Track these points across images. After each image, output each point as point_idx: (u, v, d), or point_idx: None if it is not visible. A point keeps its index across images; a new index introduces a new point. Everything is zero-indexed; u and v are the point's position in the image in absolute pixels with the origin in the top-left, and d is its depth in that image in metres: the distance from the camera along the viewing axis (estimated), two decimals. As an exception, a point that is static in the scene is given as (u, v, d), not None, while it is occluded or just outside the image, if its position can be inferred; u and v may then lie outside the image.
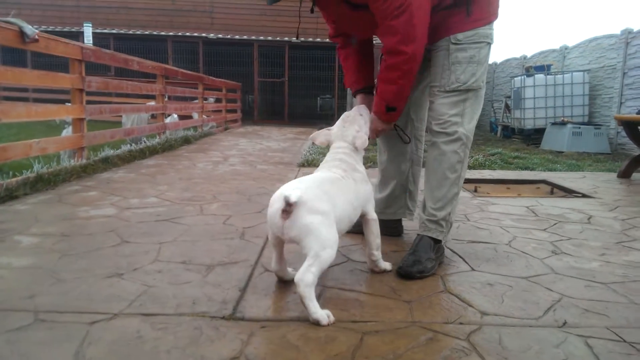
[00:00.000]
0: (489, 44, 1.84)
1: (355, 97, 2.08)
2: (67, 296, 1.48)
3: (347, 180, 1.65)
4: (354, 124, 1.82)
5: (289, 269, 1.64)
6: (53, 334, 1.24)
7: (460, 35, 1.80)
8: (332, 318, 1.34)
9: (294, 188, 1.42)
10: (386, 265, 1.77)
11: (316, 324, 1.32)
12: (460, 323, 1.37)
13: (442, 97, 1.84)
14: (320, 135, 1.86)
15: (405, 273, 1.71)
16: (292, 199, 1.34)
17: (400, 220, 2.27)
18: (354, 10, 1.82)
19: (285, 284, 1.63)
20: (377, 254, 1.74)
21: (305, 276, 1.33)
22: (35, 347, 1.17)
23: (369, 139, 1.84)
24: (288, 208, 1.37)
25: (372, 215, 1.75)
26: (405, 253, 1.85)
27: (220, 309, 1.41)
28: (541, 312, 1.45)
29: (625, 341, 1.28)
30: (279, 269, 1.61)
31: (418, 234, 1.90)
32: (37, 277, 1.62)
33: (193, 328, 1.29)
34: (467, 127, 1.84)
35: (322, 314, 1.33)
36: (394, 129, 2.02)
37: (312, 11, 1.95)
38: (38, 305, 1.40)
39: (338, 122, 1.86)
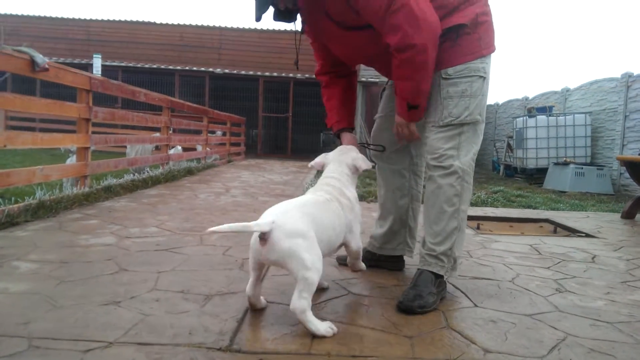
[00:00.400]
0: (482, 77, 1.82)
1: (338, 137, 2.12)
2: (62, 323, 1.45)
3: (331, 203, 1.68)
4: (351, 151, 1.94)
5: (262, 300, 1.65)
6: (45, 361, 1.21)
7: (450, 70, 1.80)
8: (334, 328, 1.45)
9: (269, 214, 1.48)
10: (362, 265, 1.92)
11: (322, 337, 1.41)
12: (463, 360, 1.33)
13: (437, 132, 1.84)
14: (317, 158, 1.93)
15: (405, 308, 1.68)
16: (265, 228, 1.40)
17: (401, 256, 2.24)
18: (347, 31, 1.83)
19: (282, 316, 1.60)
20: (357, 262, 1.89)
21: (300, 303, 1.40)
22: (26, 375, 1.14)
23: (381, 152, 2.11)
24: (263, 235, 1.42)
25: (354, 247, 1.79)
26: (406, 287, 1.82)
27: (217, 340, 1.38)
28: (545, 351, 1.41)
29: (633, 383, 1.24)
30: (252, 295, 1.59)
31: (418, 269, 1.86)
32: (33, 303, 1.60)
33: (189, 359, 1.26)
34: (463, 160, 1.81)
35: (325, 329, 1.43)
36: (365, 146, 2.13)
37: (302, 32, 2.00)
38: (33, 332, 1.38)
39: (335, 150, 1.95)
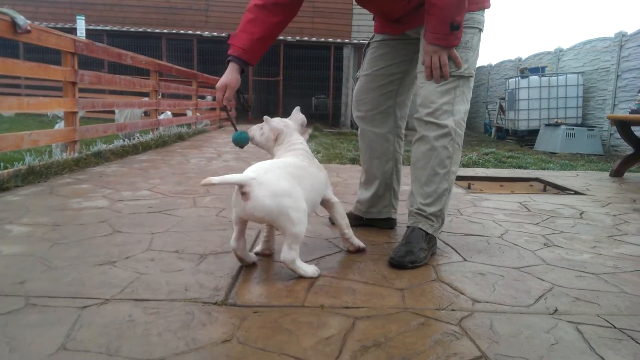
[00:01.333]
0: (481, 30, 1.80)
1: (228, 63, 1.88)
2: (58, 282, 1.46)
3: (311, 168, 1.70)
4: (298, 112, 1.90)
5: (251, 254, 1.70)
6: (44, 317, 1.23)
7: None
8: (319, 271, 1.60)
9: (252, 170, 1.50)
10: (360, 243, 1.87)
11: (310, 277, 1.56)
12: (452, 310, 1.37)
13: (433, 83, 1.76)
14: (276, 122, 1.81)
15: (397, 263, 1.70)
16: (245, 183, 1.45)
17: (389, 218, 2.24)
18: None
19: (276, 273, 1.63)
20: (349, 232, 1.84)
21: (290, 254, 1.52)
22: (26, 330, 1.16)
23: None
24: (244, 190, 1.45)
25: (334, 199, 1.82)
26: (397, 244, 1.85)
27: (212, 295, 1.41)
28: (532, 300, 1.46)
29: (615, 327, 1.29)
30: (237, 247, 1.60)
31: (409, 226, 1.87)
32: (28, 264, 1.61)
33: (185, 313, 1.28)
34: (457, 118, 1.77)
35: (313, 271, 1.58)
36: (237, 96, 1.97)
37: None
38: (29, 291, 1.39)
39: (292, 116, 1.90)
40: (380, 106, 2.07)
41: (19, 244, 1.82)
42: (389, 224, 2.24)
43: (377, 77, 2.01)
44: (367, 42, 2.12)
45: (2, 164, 3.18)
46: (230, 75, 1.86)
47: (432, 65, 1.73)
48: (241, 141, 1.81)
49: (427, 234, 1.82)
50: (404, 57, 2.01)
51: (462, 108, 1.80)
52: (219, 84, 1.85)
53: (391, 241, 2.04)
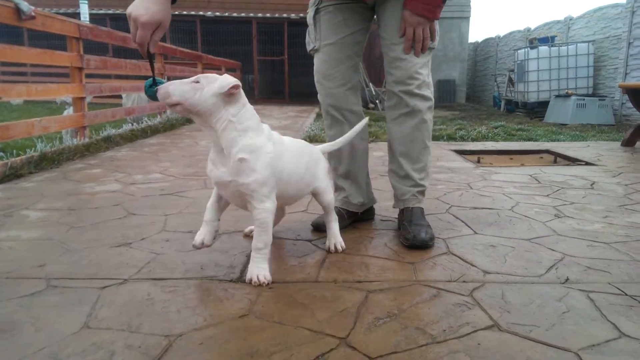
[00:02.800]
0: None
1: None
2: (77, 264, 1.50)
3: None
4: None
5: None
6: (65, 298, 1.27)
7: None
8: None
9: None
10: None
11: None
12: (464, 281, 1.39)
13: (413, 56, 1.68)
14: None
15: (420, 243, 1.63)
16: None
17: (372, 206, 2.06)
18: None
19: (290, 250, 1.65)
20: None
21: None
22: (49, 310, 1.20)
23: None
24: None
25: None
26: (402, 227, 1.78)
27: (227, 273, 1.44)
28: (543, 270, 1.47)
29: (626, 294, 1.30)
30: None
31: (407, 207, 1.80)
32: (46, 248, 1.65)
33: (202, 290, 1.32)
34: (432, 89, 1.78)
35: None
36: (149, 56, 1.40)
37: None
38: (49, 273, 1.43)
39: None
40: (351, 80, 1.82)
41: (37, 229, 1.86)
42: (372, 213, 2.06)
43: (345, 46, 1.77)
44: (314, 7, 1.80)
45: (14, 151, 3.23)
46: (162, 7, 1.32)
47: (415, 38, 1.64)
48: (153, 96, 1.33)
49: (422, 210, 1.82)
50: (364, 24, 1.80)
51: (432, 80, 1.79)
52: (147, 17, 1.30)
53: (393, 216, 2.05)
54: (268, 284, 1.35)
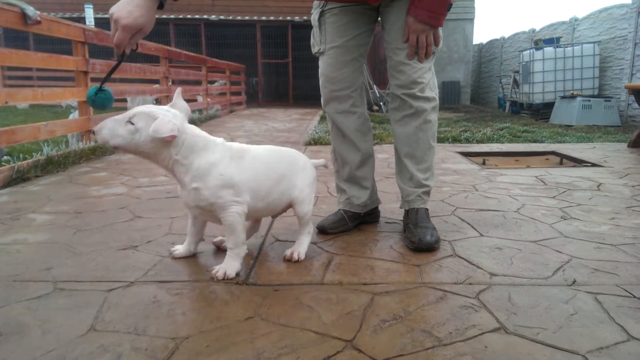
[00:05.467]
0: None
1: None
2: (83, 267, 1.51)
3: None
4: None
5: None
6: (73, 300, 1.27)
7: None
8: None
9: None
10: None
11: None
12: (470, 283, 1.38)
13: (417, 62, 1.68)
14: (163, 113, 1.32)
15: (427, 246, 1.63)
16: None
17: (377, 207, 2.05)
18: None
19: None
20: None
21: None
22: (56, 313, 1.20)
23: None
24: None
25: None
26: (408, 230, 1.77)
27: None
28: (550, 272, 1.46)
29: (634, 297, 1.29)
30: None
31: (413, 208, 1.80)
32: (53, 251, 1.66)
33: (208, 292, 1.32)
34: (437, 91, 1.78)
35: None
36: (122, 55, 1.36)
37: None
38: (56, 276, 1.44)
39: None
40: (355, 83, 1.83)
41: (44, 232, 1.87)
42: (377, 215, 2.05)
43: (350, 49, 1.77)
44: (318, 10, 1.80)
45: (21, 155, 3.25)
46: (144, 12, 1.31)
47: (419, 44, 1.64)
48: (95, 104, 1.35)
49: (426, 212, 1.81)
50: (369, 25, 1.79)
51: (436, 81, 1.80)
52: (128, 21, 1.29)
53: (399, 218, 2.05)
54: (227, 278, 1.39)
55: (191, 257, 1.60)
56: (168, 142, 1.31)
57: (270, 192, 1.49)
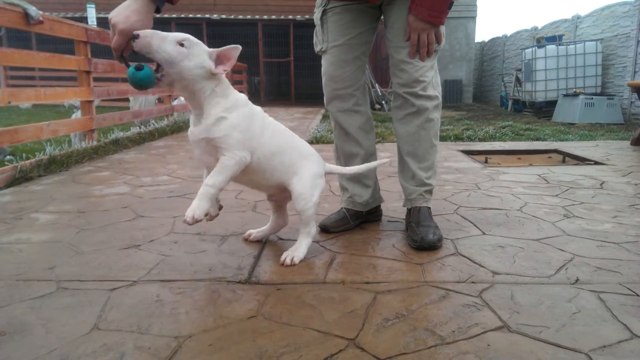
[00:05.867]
0: None
1: None
2: (86, 266, 1.51)
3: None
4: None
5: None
6: (76, 299, 1.28)
7: None
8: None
9: None
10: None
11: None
12: (472, 282, 1.38)
13: (418, 60, 1.68)
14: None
15: (429, 245, 1.63)
16: None
17: (379, 205, 2.04)
18: None
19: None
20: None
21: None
22: (59, 312, 1.21)
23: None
24: None
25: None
26: (410, 228, 1.77)
27: (236, 274, 1.44)
28: (553, 271, 1.46)
29: (637, 295, 1.28)
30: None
31: (415, 207, 1.80)
32: (56, 250, 1.66)
33: (211, 291, 1.32)
34: (440, 89, 1.78)
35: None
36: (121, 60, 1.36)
37: None
38: (59, 275, 1.44)
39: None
40: (359, 81, 1.82)
41: (47, 232, 1.87)
42: (379, 214, 2.05)
43: (352, 47, 1.76)
44: (321, 8, 1.80)
45: (24, 155, 3.26)
46: (141, 17, 1.33)
47: (420, 43, 1.64)
48: (143, 81, 1.25)
49: (429, 210, 1.81)
50: (371, 24, 1.79)
51: (439, 79, 1.79)
52: (125, 26, 1.29)
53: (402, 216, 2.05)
54: (195, 221, 1.32)
55: (194, 255, 1.60)
56: (214, 75, 1.37)
57: (268, 158, 1.48)
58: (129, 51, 1.35)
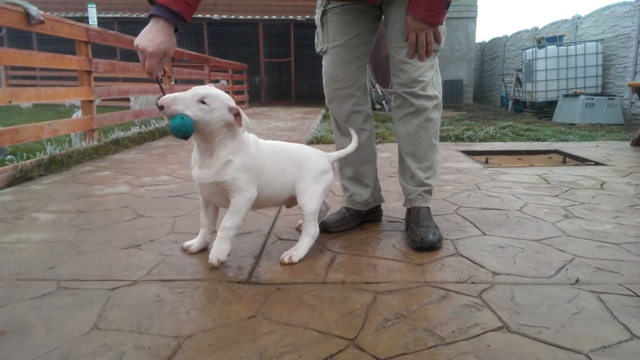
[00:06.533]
0: None
1: (151, 18, 1.44)
2: (87, 266, 1.51)
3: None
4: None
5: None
6: (76, 299, 1.28)
7: None
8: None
9: None
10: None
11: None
12: (472, 282, 1.38)
13: (417, 60, 1.68)
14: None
15: (429, 245, 1.63)
16: None
17: (379, 205, 2.04)
18: None
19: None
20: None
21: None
22: (59, 312, 1.21)
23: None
24: None
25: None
26: (410, 229, 1.77)
27: (236, 274, 1.44)
28: (553, 271, 1.46)
29: (638, 295, 1.28)
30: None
31: (414, 207, 1.80)
32: (56, 250, 1.66)
33: (211, 291, 1.32)
34: (440, 89, 1.77)
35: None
36: (158, 81, 1.50)
37: None
38: (59, 275, 1.44)
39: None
40: (359, 81, 1.82)
41: (47, 231, 1.88)
42: (379, 214, 2.05)
43: (352, 47, 1.76)
44: (321, 9, 1.80)
45: (24, 154, 3.26)
46: (165, 38, 1.41)
47: (418, 43, 1.64)
48: (183, 130, 1.32)
49: (428, 210, 1.81)
50: (372, 24, 1.79)
51: (440, 79, 1.80)
52: (153, 48, 1.39)
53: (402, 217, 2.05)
54: (221, 262, 1.47)
55: (194, 255, 1.60)
56: (233, 125, 1.43)
57: (273, 184, 1.56)
58: (161, 69, 1.47)
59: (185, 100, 1.34)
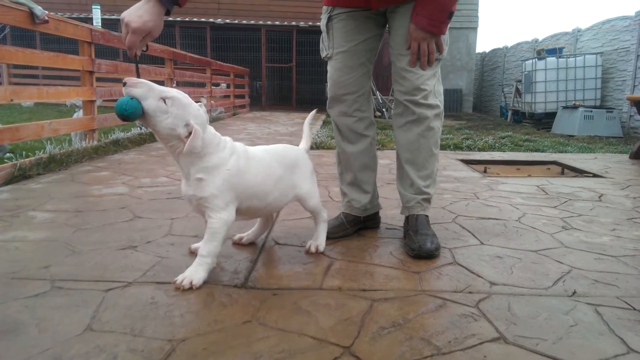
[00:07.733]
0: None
1: None
2: (82, 266, 1.51)
3: None
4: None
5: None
6: (70, 299, 1.27)
7: None
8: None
9: None
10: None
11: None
12: (470, 292, 1.37)
13: (419, 69, 1.69)
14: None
15: (427, 253, 1.63)
16: None
17: (377, 212, 2.04)
18: None
19: (294, 257, 1.65)
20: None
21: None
22: (53, 312, 1.20)
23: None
24: None
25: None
26: (408, 236, 1.76)
27: (232, 278, 1.44)
28: (550, 283, 1.45)
29: (635, 309, 1.28)
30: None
31: (412, 215, 1.79)
32: (52, 249, 1.66)
33: (206, 295, 1.31)
34: (441, 98, 1.77)
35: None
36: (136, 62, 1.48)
37: None
38: (54, 275, 1.43)
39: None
40: (363, 87, 1.83)
41: (43, 230, 1.87)
42: (377, 221, 2.04)
43: (357, 54, 1.77)
44: (327, 15, 1.81)
45: (24, 153, 3.25)
46: (154, 17, 1.38)
47: (420, 52, 1.64)
48: (124, 108, 1.23)
49: (427, 218, 1.81)
50: (377, 30, 1.80)
51: (442, 88, 1.80)
52: (138, 24, 1.35)
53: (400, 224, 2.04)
54: (191, 288, 1.34)
55: (191, 258, 1.59)
56: (185, 139, 1.31)
57: (271, 193, 1.53)
58: (141, 49, 1.41)
59: (149, 89, 1.27)
